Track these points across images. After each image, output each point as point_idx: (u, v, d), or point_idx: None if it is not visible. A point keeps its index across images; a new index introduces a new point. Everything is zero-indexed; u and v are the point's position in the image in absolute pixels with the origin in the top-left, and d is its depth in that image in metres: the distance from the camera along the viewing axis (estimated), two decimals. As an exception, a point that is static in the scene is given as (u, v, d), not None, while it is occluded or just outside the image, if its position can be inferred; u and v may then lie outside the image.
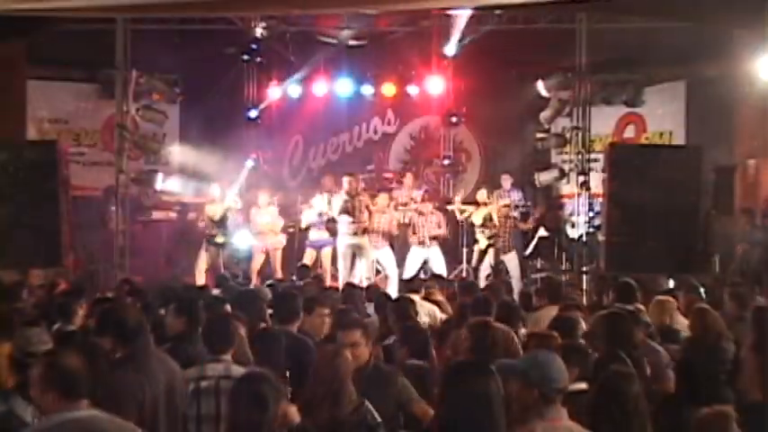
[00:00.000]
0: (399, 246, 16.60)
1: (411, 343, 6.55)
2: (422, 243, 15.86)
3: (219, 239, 15.10)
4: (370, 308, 9.67)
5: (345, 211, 14.47)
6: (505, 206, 16.54)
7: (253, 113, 18.94)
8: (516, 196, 17.35)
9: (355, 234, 14.53)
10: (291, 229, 17.15)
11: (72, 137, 18.39)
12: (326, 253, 16.17)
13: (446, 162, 18.90)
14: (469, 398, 4.19)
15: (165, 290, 10.32)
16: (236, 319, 6.96)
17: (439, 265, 15.63)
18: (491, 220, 15.51)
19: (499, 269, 15.58)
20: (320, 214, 15.98)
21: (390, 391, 5.75)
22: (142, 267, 16.24)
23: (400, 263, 15.85)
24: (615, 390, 4.72)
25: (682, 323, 8.47)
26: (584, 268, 15.13)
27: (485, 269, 15.61)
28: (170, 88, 18.10)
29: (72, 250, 14.19)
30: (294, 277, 14.98)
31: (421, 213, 16.09)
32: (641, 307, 8.89)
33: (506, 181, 17.56)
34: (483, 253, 15.60)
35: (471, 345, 6.38)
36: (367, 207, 14.77)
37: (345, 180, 14.71)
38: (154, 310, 8.35)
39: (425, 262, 15.85)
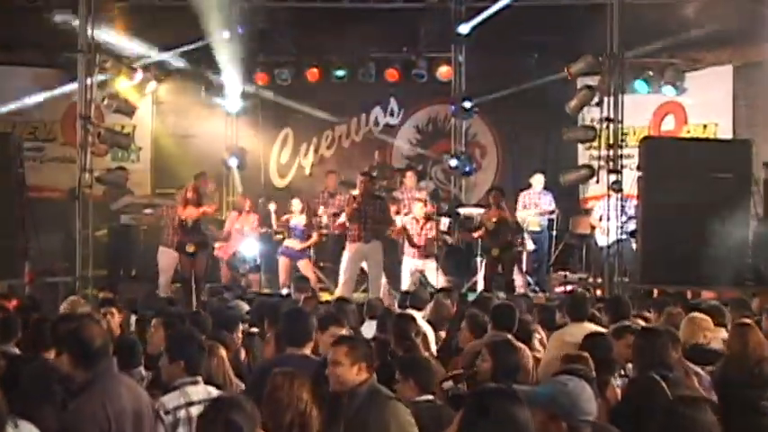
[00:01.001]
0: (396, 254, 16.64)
1: (416, 375, 6.46)
2: (414, 253, 15.84)
3: (190, 248, 15.06)
4: (371, 326, 9.67)
5: (358, 214, 14.46)
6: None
7: (235, 103, 18.94)
8: (546, 200, 17.32)
9: (368, 241, 14.51)
10: (280, 236, 17.16)
11: (28, 130, 18.42)
12: (305, 265, 16.21)
13: (457, 160, 18.86)
14: (496, 430, 4.18)
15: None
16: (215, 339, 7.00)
17: (435, 277, 15.65)
18: (506, 225, 15.46)
19: (512, 281, 15.54)
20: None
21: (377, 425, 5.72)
22: (110, 279, 16.24)
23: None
24: (688, 419, 4.64)
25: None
26: (616, 280, 15.08)
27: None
28: (142, 74, 18.12)
29: (28, 260, 14.18)
30: (284, 290, 15.00)
31: (415, 219, 16.04)
32: (641, 322, 8.89)
33: (538, 182, 17.47)
34: (494, 263, 15.55)
35: (493, 366, 6.39)
36: (388, 209, 14.81)
37: (359, 180, 14.72)
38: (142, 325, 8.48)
39: (422, 274, 15.84)
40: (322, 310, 10.07)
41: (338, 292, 14.48)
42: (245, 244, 16.49)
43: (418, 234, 15.93)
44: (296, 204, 16.76)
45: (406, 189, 17.55)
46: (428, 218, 16.07)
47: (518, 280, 16.03)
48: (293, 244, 16.47)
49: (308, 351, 7.16)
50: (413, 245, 15.97)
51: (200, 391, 5.87)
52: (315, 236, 16.77)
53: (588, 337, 7.34)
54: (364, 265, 14.87)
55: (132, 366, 6.83)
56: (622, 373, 7.23)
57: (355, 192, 15.09)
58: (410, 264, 15.98)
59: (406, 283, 15.57)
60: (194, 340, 6.17)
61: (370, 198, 14.62)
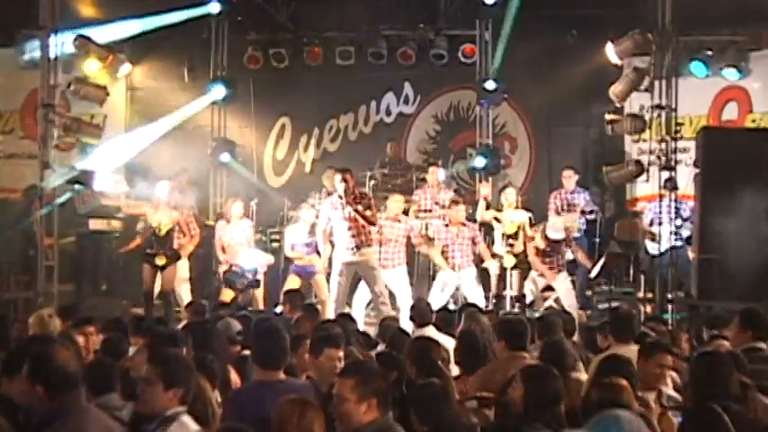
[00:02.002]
0: (420, 268, 16.60)
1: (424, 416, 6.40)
2: (452, 265, 15.79)
3: (160, 261, 15.03)
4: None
5: (344, 217, 14.37)
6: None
7: (223, 89, 18.95)
8: (581, 199, 17.28)
9: (357, 248, 14.40)
10: (276, 244, 17.14)
11: (-19, 120, 18.49)
12: (319, 279, 16.06)
13: (484, 159, 18.81)
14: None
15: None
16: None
17: (473, 294, 15.57)
18: (523, 229, 15.45)
19: (523, 296, 15.50)
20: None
21: None
22: (77, 294, 16.25)
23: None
24: None
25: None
26: (670, 295, 15.06)
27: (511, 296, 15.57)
28: (113, 55, 18.13)
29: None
30: (278, 308, 14.96)
31: (448, 225, 16.03)
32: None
33: (569, 179, 17.42)
34: (505, 275, 15.55)
35: (525, 395, 6.38)
36: (369, 210, 14.51)
37: (338, 177, 14.52)
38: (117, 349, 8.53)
39: (457, 290, 15.79)
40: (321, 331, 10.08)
41: (331, 309, 14.32)
42: (244, 254, 16.37)
43: (452, 241, 15.86)
44: (308, 214, 16.05)
45: (429, 188, 17.46)
46: (465, 223, 16.00)
47: (568, 298, 15.96)
48: (302, 259, 16.17)
49: (282, 375, 7.15)
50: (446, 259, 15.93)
51: (190, 422, 5.94)
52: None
53: (610, 358, 7.33)
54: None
55: (106, 391, 6.85)
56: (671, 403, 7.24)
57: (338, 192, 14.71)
58: (444, 278, 15.89)
59: (435, 302, 15.50)
60: (189, 366, 6.21)
61: (354, 199, 14.43)
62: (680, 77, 15.65)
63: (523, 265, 15.44)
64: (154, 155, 17.86)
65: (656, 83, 15.37)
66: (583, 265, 16.54)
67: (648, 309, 15.39)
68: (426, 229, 16.50)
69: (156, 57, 19.20)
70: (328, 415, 5.81)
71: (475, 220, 16.56)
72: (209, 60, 19.19)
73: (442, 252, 15.79)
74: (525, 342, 8.45)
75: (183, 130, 18.44)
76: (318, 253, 15.79)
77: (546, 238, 15.33)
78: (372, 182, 17.82)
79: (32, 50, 16.32)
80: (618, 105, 16.79)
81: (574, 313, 14.01)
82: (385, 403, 5.79)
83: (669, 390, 7.68)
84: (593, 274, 17.06)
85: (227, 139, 19.18)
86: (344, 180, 14.30)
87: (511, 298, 15.89)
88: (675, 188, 15.11)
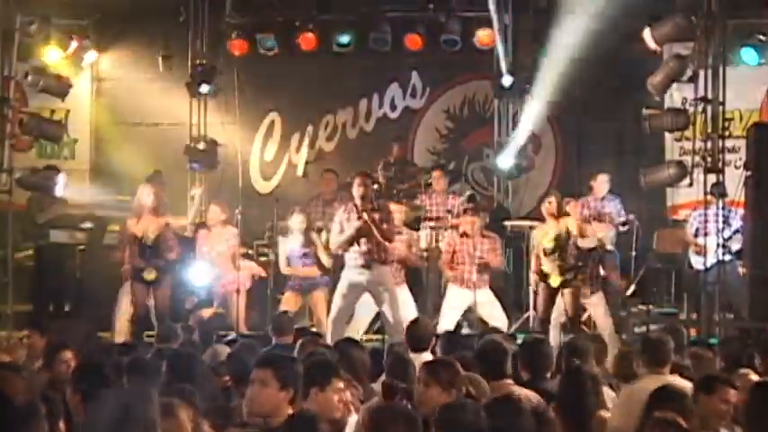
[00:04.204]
0: (428, 284, 16.60)
1: None
2: (464, 281, 15.79)
3: (149, 275, 15.03)
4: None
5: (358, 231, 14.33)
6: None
7: (205, 87, 18.94)
8: (612, 208, 17.25)
9: (368, 266, 14.34)
10: (264, 258, 17.13)
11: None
12: (319, 297, 16.05)
13: (514, 158, 18.77)
14: None
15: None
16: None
17: (493, 314, 15.57)
18: (568, 241, 15.41)
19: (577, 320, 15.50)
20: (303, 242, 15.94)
21: None
22: (35, 317, 16.25)
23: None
24: None
25: None
26: (717, 317, 15.05)
27: (556, 319, 15.52)
28: (77, 41, 18.15)
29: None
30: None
31: (464, 235, 16.03)
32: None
33: (602, 185, 17.34)
34: (554, 295, 15.52)
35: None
36: (386, 224, 14.47)
37: (357, 181, 14.55)
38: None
39: (470, 310, 15.78)
40: (320, 357, 10.05)
41: (330, 334, 14.21)
42: (195, 268, 16.23)
43: (467, 254, 15.86)
44: (296, 222, 16.19)
45: (436, 193, 17.47)
46: (483, 233, 15.99)
47: (606, 324, 15.93)
48: (298, 272, 16.13)
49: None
50: (453, 268, 15.95)
51: None
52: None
53: (659, 392, 7.33)
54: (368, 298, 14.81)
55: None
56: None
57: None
58: (457, 296, 15.89)
59: (447, 322, 15.45)
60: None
61: (372, 209, 14.38)
62: (728, 66, 15.63)
63: (572, 285, 15.36)
64: (123, 155, 17.87)
65: (701, 72, 15.37)
66: (614, 284, 16.55)
67: (693, 332, 15.37)
68: (437, 240, 16.53)
69: (127, 43, 19.19)
70: None
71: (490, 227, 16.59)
72: (186, 47, 19.19)
73: (455, 267, 15.81)
74: (503, 369, 8.40)
75: (157, 127, 18.45)
76: (321, 265, 15.84)
77: (577, 247, 15.31)
78: (374, 187, 17.79)
79: None
80: (657, 98, 16.80)
81: (608, 339, 14.00)
82: None
83: None
84: (630, 291, 17.06)
85: (209, 138, 19.14)
86: (363, 185, 14.27)
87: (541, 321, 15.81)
88: (723, 194, 15.09)
